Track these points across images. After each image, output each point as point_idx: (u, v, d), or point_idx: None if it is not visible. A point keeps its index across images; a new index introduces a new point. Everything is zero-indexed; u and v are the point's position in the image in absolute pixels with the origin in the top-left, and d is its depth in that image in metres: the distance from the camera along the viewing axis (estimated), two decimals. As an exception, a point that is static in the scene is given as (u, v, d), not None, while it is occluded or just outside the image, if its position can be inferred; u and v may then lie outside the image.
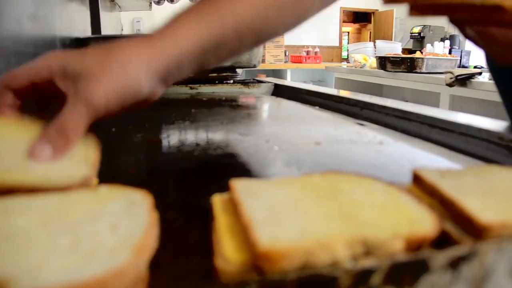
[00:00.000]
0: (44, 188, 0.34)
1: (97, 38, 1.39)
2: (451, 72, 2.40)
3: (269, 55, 5.25)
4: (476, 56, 5.61)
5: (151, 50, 0.42)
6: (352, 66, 4.01)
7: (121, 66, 0.40)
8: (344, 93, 1.12)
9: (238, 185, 0.33)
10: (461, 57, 5.36)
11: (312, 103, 1.23)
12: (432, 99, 2.82)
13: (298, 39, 6.73)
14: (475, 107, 2.70)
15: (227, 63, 1.55)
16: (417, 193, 0.35)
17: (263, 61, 5.05)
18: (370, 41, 7.05)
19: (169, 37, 0.43)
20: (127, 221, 0.28)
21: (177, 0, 3.15)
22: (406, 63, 2.84)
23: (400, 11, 6.96)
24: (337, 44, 7.03)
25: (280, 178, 0.34)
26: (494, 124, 0.62)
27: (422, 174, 0.35)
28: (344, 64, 4.97)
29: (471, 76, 2.32)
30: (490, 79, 2.37)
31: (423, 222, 0.26)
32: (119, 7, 2.93)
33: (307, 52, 5.74)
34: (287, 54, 5.75)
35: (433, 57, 2.83)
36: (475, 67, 5.18)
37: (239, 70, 1.71)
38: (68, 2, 1.35)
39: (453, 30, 6.21)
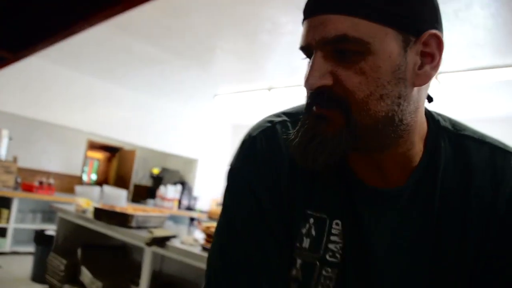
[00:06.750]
0: None
1: None
2: (151, 232, 2.54)
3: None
4: (203, 202, 6.34)
5: None
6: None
7: None
8: None
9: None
10: (189, 201, 6.03)
11: None
12: (139, 253, 2.87)
13: (37, 162, 6.03)
14: (176, 265, 2.89)
15: None
16: None
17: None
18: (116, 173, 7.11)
19: None
20: None
21: None
22: (119, 217, 2.86)
23: (142, 151, 7.21)
24: (79, 173, 6.66)
25: None
26: None
27: None
28: (72, 203, 4.67)
29: (168, 238, 2.51)
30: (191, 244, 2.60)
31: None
32: None
33: (40, 182, 5.16)
34: (18, 181, 5.06)
35: (143, 213, 2.98)
36: (200, 211, 5.87)
37: None
38: None
39: (186, 174, 6.83)
